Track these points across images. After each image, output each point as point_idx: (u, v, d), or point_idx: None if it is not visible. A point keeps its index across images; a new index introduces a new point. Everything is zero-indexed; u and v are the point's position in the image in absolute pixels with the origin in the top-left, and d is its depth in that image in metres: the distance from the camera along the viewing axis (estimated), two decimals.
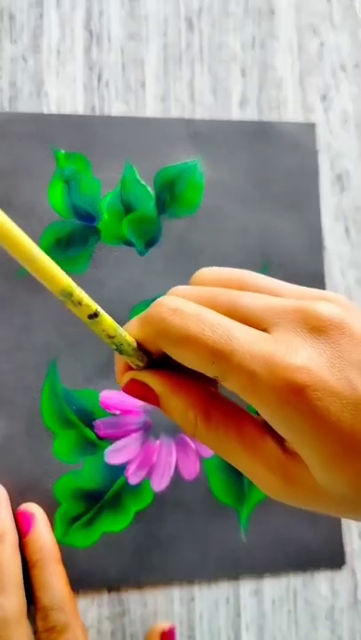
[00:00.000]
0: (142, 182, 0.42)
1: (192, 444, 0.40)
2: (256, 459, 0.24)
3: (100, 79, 0.43)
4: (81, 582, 0.37)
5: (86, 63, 0.42)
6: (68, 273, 0.22)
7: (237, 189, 0.43)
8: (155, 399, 0.26)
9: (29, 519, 0.37)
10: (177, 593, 0.39)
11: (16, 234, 0.19)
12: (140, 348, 0.26)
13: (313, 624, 0.40)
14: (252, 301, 0.24)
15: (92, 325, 0.24)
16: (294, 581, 0.40)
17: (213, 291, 0.25)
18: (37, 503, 0.38)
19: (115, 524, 0.39)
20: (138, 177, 0.42)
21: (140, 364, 0.26)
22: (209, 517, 0.39)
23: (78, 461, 0.39)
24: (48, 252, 0.21)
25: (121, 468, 0.39)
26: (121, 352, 0.25)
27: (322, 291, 0.25)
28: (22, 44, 0.42)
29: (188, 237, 0.42)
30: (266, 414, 0.22)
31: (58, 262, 0.21)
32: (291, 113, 0.45)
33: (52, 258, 0.21)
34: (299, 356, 0.21)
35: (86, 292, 0.23)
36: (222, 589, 0.40)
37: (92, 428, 0.39)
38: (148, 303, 0.39)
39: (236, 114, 0.44)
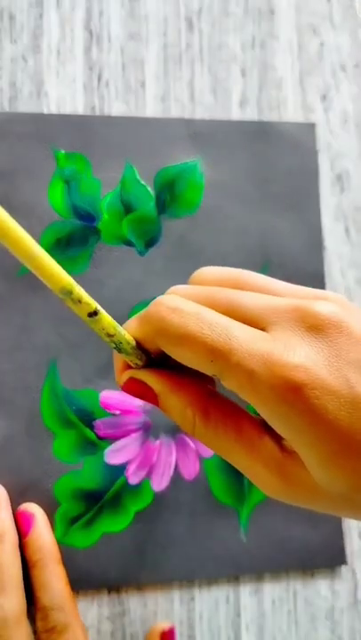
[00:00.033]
0: (142, 182, 0.42)
1: (192, 444, 0.40)
2: (254, 457, 0.24)
3: (100, 79, 0.43)
4: (81, 582, 0.37)
5: (86, 63, 0.43)
6: (68, 273, 0.22)
7: (237, 189, 0.43)
8: (153, 398, 0.26)
9: (29, 519, 0.37)
10: (177, 593, 0.39)
11: (16, 231, 0.19)
12: (139, 346, 0.26)
13: (313, 624, 0.40)
14: (250, 301, 0.24)
15: (92, 324, 0.24)
16: (294, 581, 0.40)
17: (212, 290, 0.25)
18: (37, 503, 0.38)
19: (115, 524, 0.39)
20: (138, 177, 0.42)
21: (139, 362, 0.26)
22: (209, 517, 0.39)
23: (78, 461, 0.39)
24: (48, 252, 0.21)
25: (121, 468, 0.39)
26: (120, 351, 0.25)
27: (320, 290, 0.25)
28: (22, 43, 0.42)
29: (188, 237, 0.42)
30: (264, 413, 0.22)
31: (58, 262, 0.21)
32: (291, 113, 0.45)
33: (52, 258, 0.21)
34: (297, 354, 0.22)
35: (86, 292, 0.23)
36: (222, 589, 0.40)
37: (92, 428, 0.39)
38: (147, 303, 0.39)
39: (236, 114, 0.44)
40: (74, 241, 0.40)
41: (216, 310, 0.24)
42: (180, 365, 0.24)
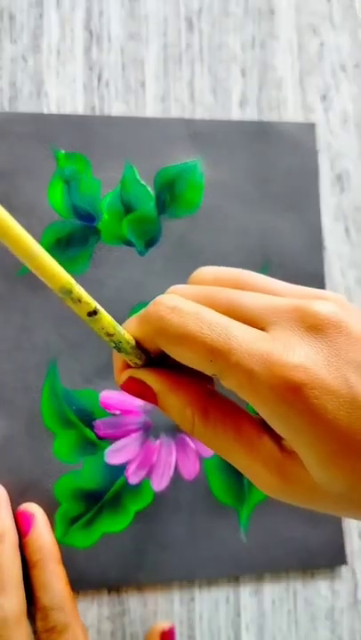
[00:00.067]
0: (142, 182, 0.42)
1: (192, 444, 0.40)
2: (253, 457, 0.24)
3: (100, 79, 0.43)
4: (81, 582, 0.37)
5: (86, 63, 0.43)
6: (69, 273, 0.22)
7: (237, 189, 0.43)
8: (152, 397, 0.26)
9: (29, 519, 0.37)
10: (177, 593, 0.39)
11: (16, 230, 0.19)
12: (139, 346, 0.26)
13: (313, 624, 0.40)
14: (250, 300, 0.24)
15: (92, 323, 0.24)
16: (294, 581, 0.40)
17: (212, 290, 0.25)
18: (37, 503, 0.38)
19: (115, 524, 0.39)
20: (138, 177, 0.42)
21: (139, 362, 0.26)
22: (209, 517, 0.39)
23: (78, 461, 0.39)
24: (48, 252, 0.21)
25: (121, 468, 0.39)
26: (119, 350, 0.25)
27: (320, 290, 0.25)
28: (22, 43, 0.42)
29: (188, 237, 0.42)
30: (263, 412, 0.22)
31: (58, 262, 0.21)
32: (291, 113, 0.45)
33: (53, 258, 0.21)
34: (296, 354, 0.22)
35: (86, 292, 0.23)
36: (222, 589, 0.40)
37: (92, 428, 0.39)
38: (147, 303, 0.39)
39: (236, 114, 0.44)
40: (74, 241, 0.40)
41: (216, 310, 0.24)
42: (179, 365, 0.25)
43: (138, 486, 0.39)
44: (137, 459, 0.39)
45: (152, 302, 0.25)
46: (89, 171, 0.41)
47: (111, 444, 0.39)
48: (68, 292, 0.22)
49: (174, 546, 0.39)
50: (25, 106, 0.41)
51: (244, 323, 0.23)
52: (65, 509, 0.38)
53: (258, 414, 0.23)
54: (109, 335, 0.24)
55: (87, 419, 0.39)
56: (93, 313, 0.23)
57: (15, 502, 0.37)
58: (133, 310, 0.40)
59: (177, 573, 0.39)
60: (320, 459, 0.21)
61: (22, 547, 0.36)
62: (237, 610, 0.40)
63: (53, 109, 0.42)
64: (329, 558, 0.40)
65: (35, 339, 0.39)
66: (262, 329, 0.23)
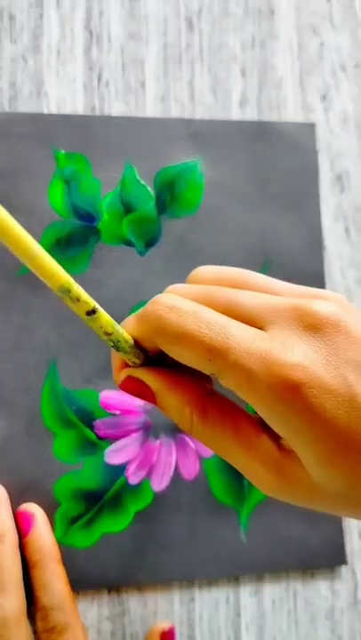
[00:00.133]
0: (142, 182, 0.42)
1: (192, 444, 0.40)
2: (252, 456, 0.24)
3: (100, 79, 0.43)
4: (81, 582, 0.37)
5: (86, 63, 0.43)
6: (69, 273, 0.22)
7: (237, 189, 0.43)
8: (151, 396, 0.26)
9: (29, 519, 0.37)
10: (177, 593, 0.39)
11: (16, 230, 0.19)
12: (137, 345, 0.26)
13: (313, 624, 0.40)
14: (249, 300, 0.24)
15: (90, 322, 0.24)
16: (294, 581, 0.40)
17: (210, 289, 0.25)
18: (37, 503, 0.38)
19: (115, 524, 0.39)
20: (138, 177, 0.42)
21: (137, 361, 0.26)
22: (209, 517, 0.39)
23: (78, 461, 0.39)
24: (48, 252, 0.21)
25: (121, 468, 0.39)
26: (118, 349, 0.25)
27: (320, 290, 0.25)
28: (22, 44, 0.42)
29: (188, 237, 0.42)
30: (262, 412, 0.22)
31: (58, 262, 0.21)
32: (291, 113, 0.45)
33: (53, 258, 0.21)
34: (295, 353, 0.22)
35: (86, 292, 0.23)
36: (222, 589, 0.40)
37: (92, 428, 0.39)
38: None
39: (236, 114, 0.44)
40: (74, 241, 0.40)
41: (214, 309, 0.24)
42: (177, 364, 0.24)
43: (138, 486, 0.39)
44: (137, 459, 0.39)
45: (150, 301, 0.25)
46: (89, 171, 0.41)
47: (111, 444, 0.39)
48: (67, 291, 0.22)
49: (174, 546, 0.39)
50: (25, 106, 0.41)
51: (243, 322, 0.23)
52: (65, 509, 0.38)
53: (256, 413, 0.23)
54: (108, 334, 0.24)
55: (87, 419, 0.39)
56: (92, 312, 0.23)
57: (15, 502, 0.37)
58: (133, 310, 0.40)
59: (177, 573, 0.39)
60: (319, 458, 0.21)
61: (22, 547, 0.36)
62: (237, 610, 0.40)
63: (53, 109, 0.42)
64: (329, 558, 0.40)
65: (34, 339, 0.39)
66: (261, 328, 0.23)
